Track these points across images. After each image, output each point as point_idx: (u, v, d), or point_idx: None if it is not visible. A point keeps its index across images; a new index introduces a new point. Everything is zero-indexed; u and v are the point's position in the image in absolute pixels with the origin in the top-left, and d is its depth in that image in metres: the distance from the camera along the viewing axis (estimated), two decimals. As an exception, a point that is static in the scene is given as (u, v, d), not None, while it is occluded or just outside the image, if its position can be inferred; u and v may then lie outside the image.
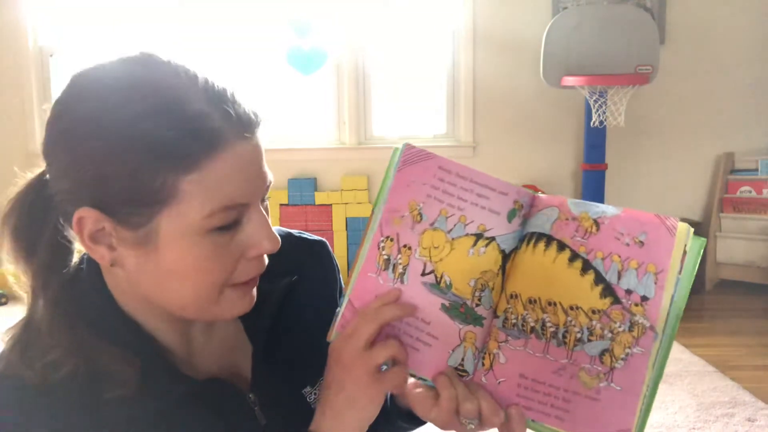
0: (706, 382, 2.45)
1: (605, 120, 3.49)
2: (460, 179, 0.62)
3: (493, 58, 4.09)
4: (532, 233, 0.62)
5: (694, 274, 0.57)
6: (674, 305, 0.57)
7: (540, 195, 0.64)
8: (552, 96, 3.88)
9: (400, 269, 0.62)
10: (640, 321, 0.57)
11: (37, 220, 0.62)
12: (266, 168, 0.61)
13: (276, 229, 0.74)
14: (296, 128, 4.21)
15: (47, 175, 0.61)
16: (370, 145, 4.24)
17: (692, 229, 0.57)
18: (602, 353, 0.58)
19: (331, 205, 4.13)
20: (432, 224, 0.62)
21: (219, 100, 0.57)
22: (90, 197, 0.57)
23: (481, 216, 0.62)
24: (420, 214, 0.62)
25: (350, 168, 4.21)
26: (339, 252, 4.03)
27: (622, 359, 0.57)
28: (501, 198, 0.62)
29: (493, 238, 0.62)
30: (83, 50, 4.28)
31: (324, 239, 0.82)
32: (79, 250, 0.65)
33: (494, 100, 4.08)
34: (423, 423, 0.74)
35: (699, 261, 0.58)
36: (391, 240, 0.62)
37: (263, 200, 0.63)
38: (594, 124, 3.52)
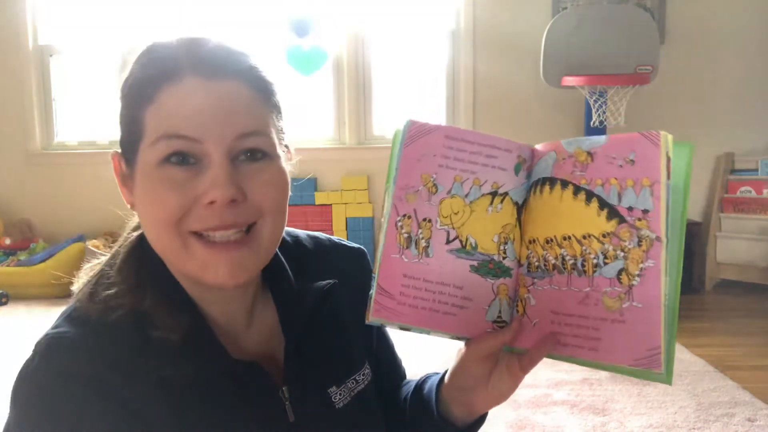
0: (706, 382, 2.45)
1: (605, 120, 3.49)
2: (468, 144, 0.65)
3: (493, 58, 4.09)
4: (537, 180, 0.66)
5: (689, 178, 0.59)
6: (672, 210, 0.58)
7: (536, 146, 0.68)
8: (552, 96, 3.88)
9: (423, 243, 0.64)
10: (646, 234, 0.58)
11: None
12: (241, 119, 0.61)
13: (318, 234, 0.80)
14: (296, 128, 4.21)
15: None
16: (370, 145, 4.24)
17: (671, 136, 0.58)
18: (619, 273, 0.59)
19: (331, 205, 4.13)
20: (449, 192, 0.65)
21: (190, 43, 0.62)
22: (119, 143, 0.65)
23: (492, 175, 0.66)
24: (435, 185, 0.65)
25: (350, 168, 4.21)
26: (339, 252, 4.01)
27: (637, 275, 0.58)
28: (506, 155, 0.66)
29: (506, 193, 0.66)
30: (83, 50, 4.29)
31: (363, 248, 0.83)
32: None
33: (494, 100, 4.08)
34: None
35: (691, 165, 0.59)
36: (409, 217, 0.64)
37: (241, 155, 0.62)
38: (594, 124, 3.52)
